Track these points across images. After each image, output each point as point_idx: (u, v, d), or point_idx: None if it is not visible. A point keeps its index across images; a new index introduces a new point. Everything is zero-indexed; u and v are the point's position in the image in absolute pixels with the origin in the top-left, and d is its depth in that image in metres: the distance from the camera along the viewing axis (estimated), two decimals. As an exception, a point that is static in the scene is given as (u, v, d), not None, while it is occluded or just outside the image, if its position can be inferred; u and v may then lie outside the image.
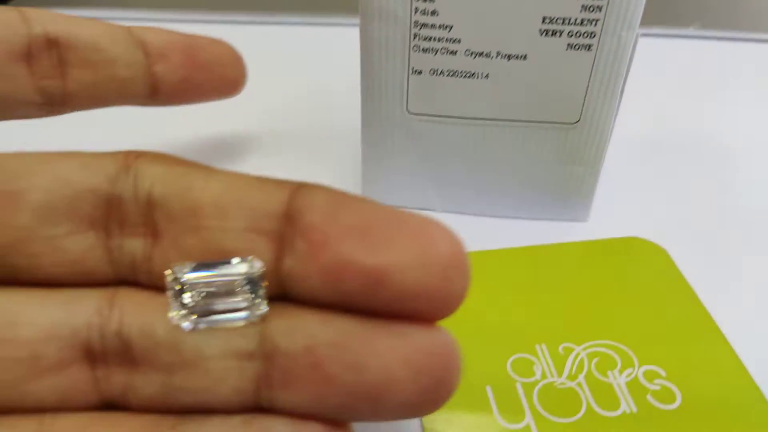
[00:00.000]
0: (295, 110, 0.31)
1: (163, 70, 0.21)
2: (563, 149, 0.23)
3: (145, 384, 0.15)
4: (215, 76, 0.23)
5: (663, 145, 0.30)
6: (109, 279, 0.16)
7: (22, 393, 0.15)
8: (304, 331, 0.15)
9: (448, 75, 0.22)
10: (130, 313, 0.15)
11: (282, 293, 0.15)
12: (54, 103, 0.20)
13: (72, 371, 0.16)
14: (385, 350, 0.15)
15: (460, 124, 0.23)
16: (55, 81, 0.19)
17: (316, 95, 0.32)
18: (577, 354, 0.20)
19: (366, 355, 0.15)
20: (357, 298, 0.15)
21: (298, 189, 0.15)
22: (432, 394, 0.15)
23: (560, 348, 0.21)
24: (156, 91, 0.22)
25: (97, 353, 0.16)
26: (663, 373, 0.20)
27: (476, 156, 0.24)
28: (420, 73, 0.22)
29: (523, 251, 0.24)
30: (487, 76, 0.22)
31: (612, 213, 0.26)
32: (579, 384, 0.20)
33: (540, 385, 0.20)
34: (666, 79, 0.34)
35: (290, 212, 0.15)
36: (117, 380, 0.16)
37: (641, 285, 0.23)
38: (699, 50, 0.37)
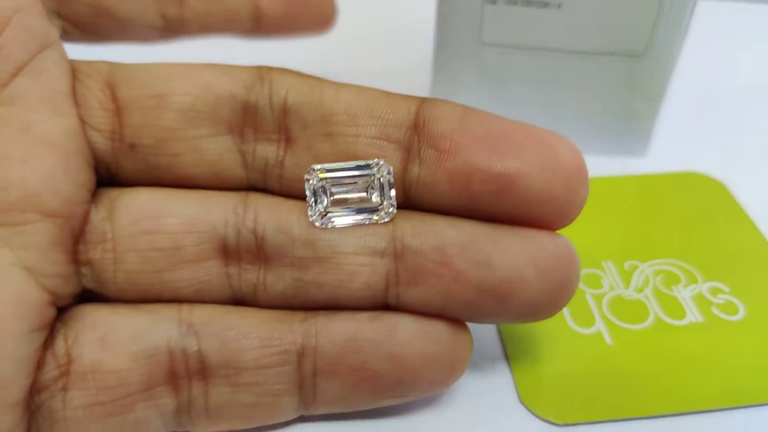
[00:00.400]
0: (361, 48, 0.32)
1: (266, 4, 0.23)
2: (628, 81, 0.24)
3: (277, 280, 0.17)
4: (311, 13, 0.24)
5: (719, 82, 0.31)
6: (242, 183, 0.17)
7: (163, 283, 0.17)
8: (434, 231, 0.16)
9: (522, 4, 0.23)
10: (264, 212, 0.17)
11: (407, 202, 0.16)
12: (170, 29, 0.21)
13: (208, 265, 0.17)
14: (514, 250, 0.16)
15: (531, 54, 0.24)
16: (175, 8, 0.21)
17: (384, 34, 0.33)
18: (642, 270, 0.21)
19: (495, 253, 0.16)
20: (484, 203, 0.16)
21: (424, 102, 0.16)
22: (555, 296, 0.16)
23: (626, 265, 0.22)
24: (258, 24, 0.23)
25: (231, 250, 0.17)
26: (726, 289, 0.21)
27: (544, 88, 0.25)
28: (495, 2, 0.23)
29: (584, 182, 0.25)
30: (559, 5, 0.23)
31: (668, 148, 0.27)
32: (646, 296, 0.21)
33: (608, 296, 0.21)
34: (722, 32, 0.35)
35: (417, 123, 0.16)
36: (248, 277, 0.17)
37: (701, 215, 0.24)
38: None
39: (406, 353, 0.16)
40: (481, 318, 0.16)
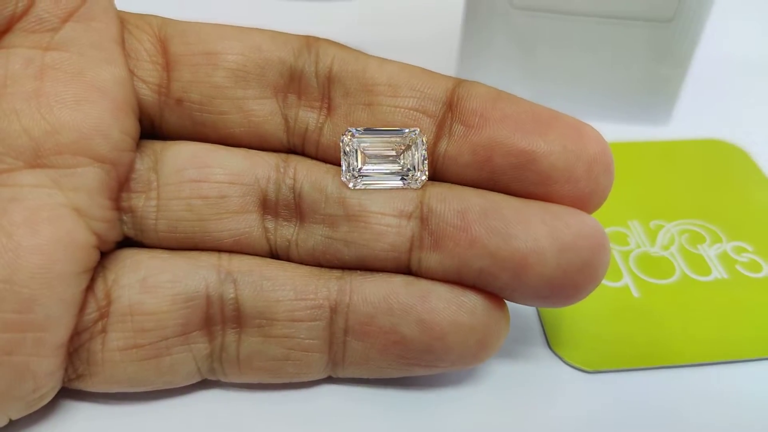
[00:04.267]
0: (390, 12, 0.32)
1: None
2: (655, 47, 0.24)
3: (308, 236, 0.17)
4: None
5: (740, 51, 0.31)
6: (282, 146, 0.18)
7: (204, 232, 0.17)
8: (460, 198, 0.16)
9: (553, -34, 0.23)
10: (303, 171, 0.17)
11: (434, 176, 0.17)
12: None
13: (248, 218, 0.17)
14: (534, 221, 0.15)
15: (560, 18, 0.24)
16: None
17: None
18: (668, 230, 0.22)
19: (514, 222, 0.15)
20: (504, 177, 0.16)
21: (462, 82, 0.17)
22: (575, 276, 0.15)
23: (651, 224, 0.22)
24: None
25: (271, 205, 0.17)
26: (750, 248, 0.21)
27: (573, 53, 0.25)
28: (527, -37, 0.23)
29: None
30: (591, -32, 0.23)
31: (690, 116, 0.27)
32: (671, 254, 0.21)
33: (635, 252, 0.21)
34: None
35: (452, 100, 0.16)
36: (284, 233, 0.17)
37: (724, 180, 0.24)
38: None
39: (437, 320, 0.16)
40: (497, 291, 0.16)
